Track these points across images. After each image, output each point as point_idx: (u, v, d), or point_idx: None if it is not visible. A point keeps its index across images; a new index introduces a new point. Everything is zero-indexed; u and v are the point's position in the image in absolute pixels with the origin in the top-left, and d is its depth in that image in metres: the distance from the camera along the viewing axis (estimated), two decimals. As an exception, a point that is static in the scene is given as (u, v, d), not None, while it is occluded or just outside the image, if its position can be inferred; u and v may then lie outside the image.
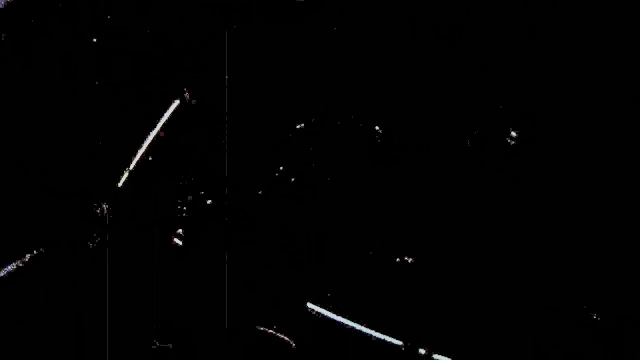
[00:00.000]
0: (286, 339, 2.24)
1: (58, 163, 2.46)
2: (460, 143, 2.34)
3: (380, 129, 2.40)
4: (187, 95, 2.43)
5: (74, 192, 2.45)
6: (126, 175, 2.47)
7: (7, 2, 2.42)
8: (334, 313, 2.24)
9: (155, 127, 2.42)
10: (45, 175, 2.45)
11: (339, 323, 2.22)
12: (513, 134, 2.30)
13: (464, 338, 2.17)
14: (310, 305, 2.29)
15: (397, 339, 2.18)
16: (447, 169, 2.33)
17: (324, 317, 2.25)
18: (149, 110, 2.44)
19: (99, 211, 2.49)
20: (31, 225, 2.39)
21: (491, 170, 2.31)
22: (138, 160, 2.44)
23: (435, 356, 2.14)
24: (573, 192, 2.21)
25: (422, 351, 2.15)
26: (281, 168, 2.44)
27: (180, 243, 2.44)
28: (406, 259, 2.27)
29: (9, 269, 2.33)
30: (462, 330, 2.18)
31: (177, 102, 2.44)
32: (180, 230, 2.43)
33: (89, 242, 2.43)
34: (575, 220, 2.20)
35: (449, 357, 2.14)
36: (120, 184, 2.47)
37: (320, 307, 2.26)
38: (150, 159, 2.45)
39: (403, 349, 2.17)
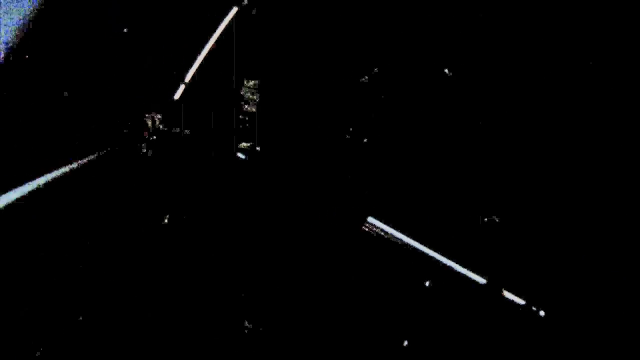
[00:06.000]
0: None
1: (118, 73, 2.35)
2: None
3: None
4: (245, 1, 2.23)
5: (131, 103, 2.38)
6: (182, 87, 2.36)
7: None
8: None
9: (211, 38, 2.26)
10: (107, 85, 2.35)
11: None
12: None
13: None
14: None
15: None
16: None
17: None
18: (206, 21, 2.25)
19: (150, 122, 2.46)
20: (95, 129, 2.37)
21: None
22: (194, 73, 2.32)
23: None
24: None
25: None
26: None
27: (244, 157, 2.42)
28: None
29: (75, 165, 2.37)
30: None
31: (235, 9, 2.25)
32: (243, 144, 2.40)
33: (142, 149, 2.43)
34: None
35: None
36: (176, 97, 2.38)
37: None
38: (206, 71, 2.33)
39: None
